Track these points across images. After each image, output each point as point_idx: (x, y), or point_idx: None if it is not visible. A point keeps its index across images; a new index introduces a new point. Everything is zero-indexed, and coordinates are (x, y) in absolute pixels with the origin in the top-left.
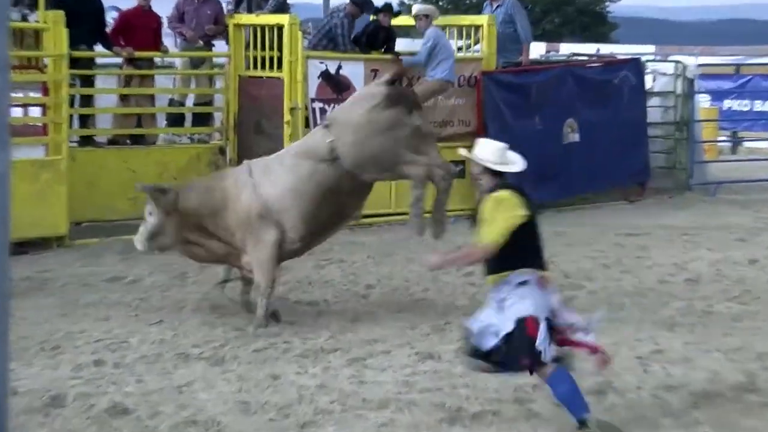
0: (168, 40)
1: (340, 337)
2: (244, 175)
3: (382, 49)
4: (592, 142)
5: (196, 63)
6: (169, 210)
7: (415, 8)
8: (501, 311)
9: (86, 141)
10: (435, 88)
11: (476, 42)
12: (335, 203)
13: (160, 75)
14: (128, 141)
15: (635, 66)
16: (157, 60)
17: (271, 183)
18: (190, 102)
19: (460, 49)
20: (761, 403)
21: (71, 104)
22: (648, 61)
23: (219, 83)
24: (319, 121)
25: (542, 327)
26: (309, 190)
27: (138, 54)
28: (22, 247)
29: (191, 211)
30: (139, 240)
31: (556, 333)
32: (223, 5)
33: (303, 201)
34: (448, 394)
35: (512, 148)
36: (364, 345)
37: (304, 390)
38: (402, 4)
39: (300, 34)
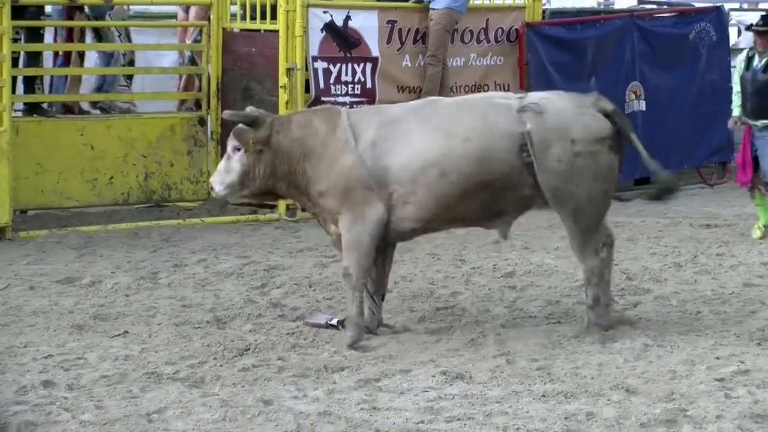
0: None
1: (348, 353)
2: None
3: None
4: (661, 112)
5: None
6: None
7: None
8: None
9: (33, 109)
10: (444, 23)
11: None
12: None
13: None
14: (97, 110)
15: (716, 17)
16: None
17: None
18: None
19: None
20: None
21: (15, 63)
22: (732, 10)
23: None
24: (322, 84)
25: None
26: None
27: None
28: None
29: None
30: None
31: None
32: None
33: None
34: (482, 423)
35: None
36: (378, 362)
37: (302, 418)
38: None
39: None
